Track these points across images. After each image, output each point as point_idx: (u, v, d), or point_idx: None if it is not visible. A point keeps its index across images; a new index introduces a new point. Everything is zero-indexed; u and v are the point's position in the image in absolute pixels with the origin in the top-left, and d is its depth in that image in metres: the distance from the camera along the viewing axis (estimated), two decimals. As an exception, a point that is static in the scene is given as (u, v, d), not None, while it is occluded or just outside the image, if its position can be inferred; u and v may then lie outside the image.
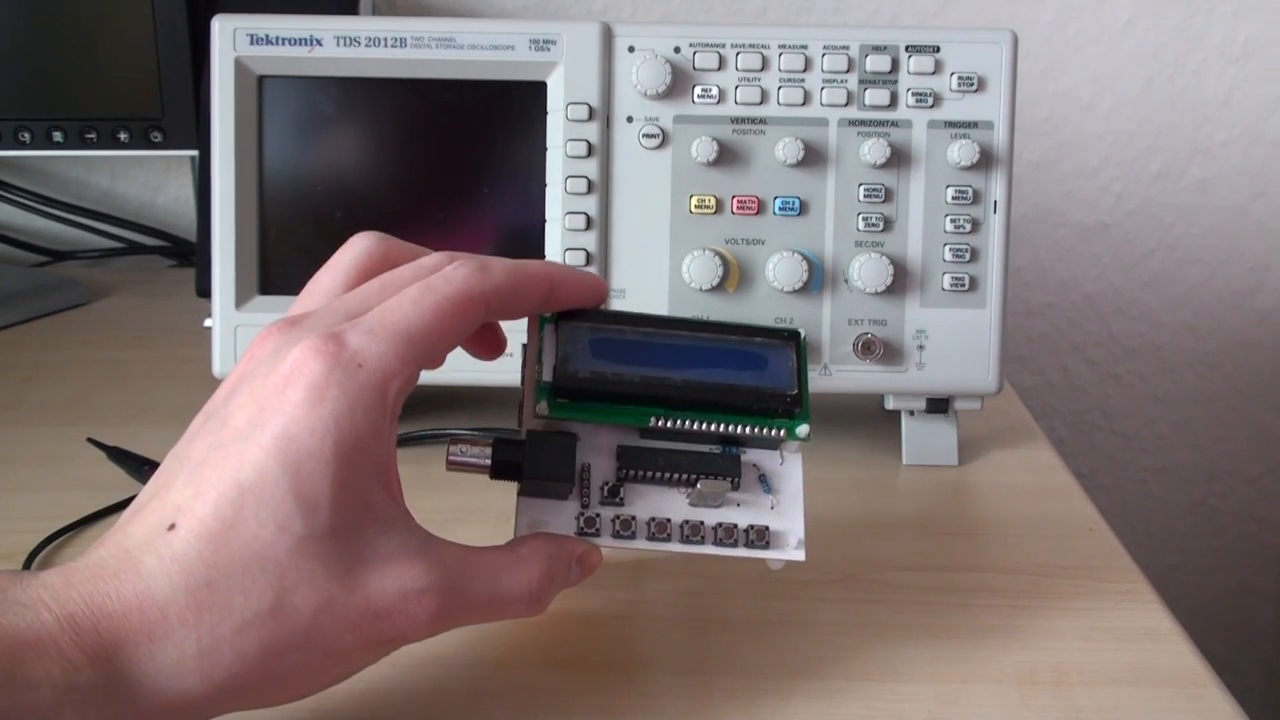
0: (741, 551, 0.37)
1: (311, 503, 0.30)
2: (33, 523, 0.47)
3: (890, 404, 0.56)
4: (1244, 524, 1.07)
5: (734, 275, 0.54)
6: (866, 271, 0.53)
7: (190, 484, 0.30)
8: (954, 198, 0.54)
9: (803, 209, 0.54)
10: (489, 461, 0.36)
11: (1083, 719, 0.37)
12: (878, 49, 0.53)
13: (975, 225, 0.54)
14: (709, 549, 0.37)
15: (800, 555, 0.37)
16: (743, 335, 0.38)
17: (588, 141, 0.54)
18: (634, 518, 0.37)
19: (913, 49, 0.54)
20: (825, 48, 0.54)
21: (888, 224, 0.54)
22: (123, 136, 0.78)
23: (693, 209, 0.54)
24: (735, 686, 0.38)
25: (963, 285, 0.54)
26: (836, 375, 0.54)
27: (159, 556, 0.29)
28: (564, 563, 0.36)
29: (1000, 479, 0.55)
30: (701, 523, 0.37)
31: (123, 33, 0.77)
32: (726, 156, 0.54)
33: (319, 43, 0.54)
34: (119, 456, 0.54)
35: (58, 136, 0.77)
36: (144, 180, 1.00)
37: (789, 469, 0.38)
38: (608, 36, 0.54)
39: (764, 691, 0.38)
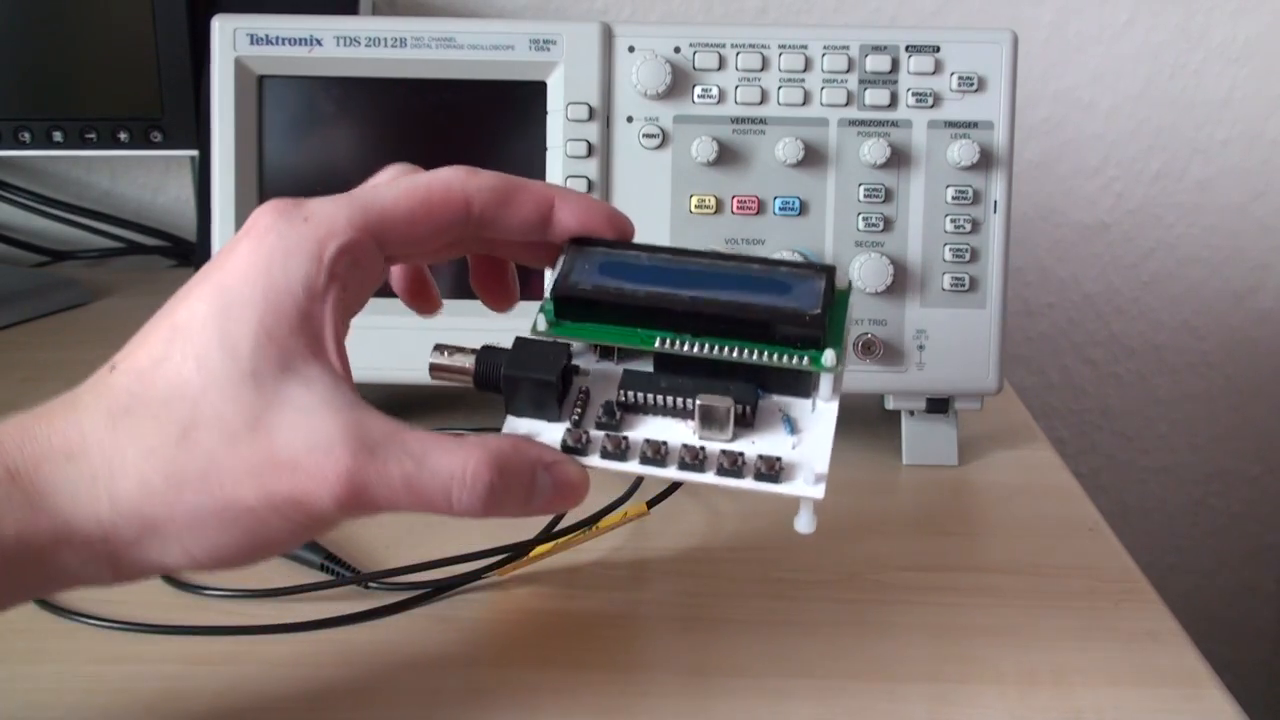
0: (749, 483, 0.32)
1: (233, 345, 0.30)
2: (33, 523, 0.47)
3: (890, 404, 0.56)
4: (1244, 524, 1.07)
5: (734, 275, 0.54)
6: (866, 271, 0.53)
7: (141, 334, 0.32)
8: (954, 198, 0.54)
9: (803, 209, 0.54)
10: (472, 367, 0.34)
11: (1083, 719, 0.37)
12: (878, 49, 0.53)
13: (975, 225, 0.54)
14: (710, 478, 0.32)
15: (819, 492, 0.32)
16: (768, 265, 0.35)
17: (588, 141, 0.54)
18: (627, 437, 0.33)
19: (913, 49, 0.54)
20: (825, 48, 0.54)
21: (888, 224, 0.54)
22: (123, 136, 0.78)
23: (693, 209, 0.54)
24: (735, 686, 0.38)
25: (963, 285, 0.54)
26: (836, 375, 0.54)
27: (95, 393, 0.31)
28: (521, 467, 0.31)
29: (1000, 479, 0.55)
30: (703, 448, 0.32)
31: (123, 33, 0.77)
32: (726, 156, 0.54)
33: (319, 43, 0.54)
34: (119, 456, 0.53)
35: (58, 136, 0.77)
36: (144, 180, 1.00)
37: (822, 416, 0.33)
38: (608, 36, 0.54)
39: (764, 691, 0.38)
